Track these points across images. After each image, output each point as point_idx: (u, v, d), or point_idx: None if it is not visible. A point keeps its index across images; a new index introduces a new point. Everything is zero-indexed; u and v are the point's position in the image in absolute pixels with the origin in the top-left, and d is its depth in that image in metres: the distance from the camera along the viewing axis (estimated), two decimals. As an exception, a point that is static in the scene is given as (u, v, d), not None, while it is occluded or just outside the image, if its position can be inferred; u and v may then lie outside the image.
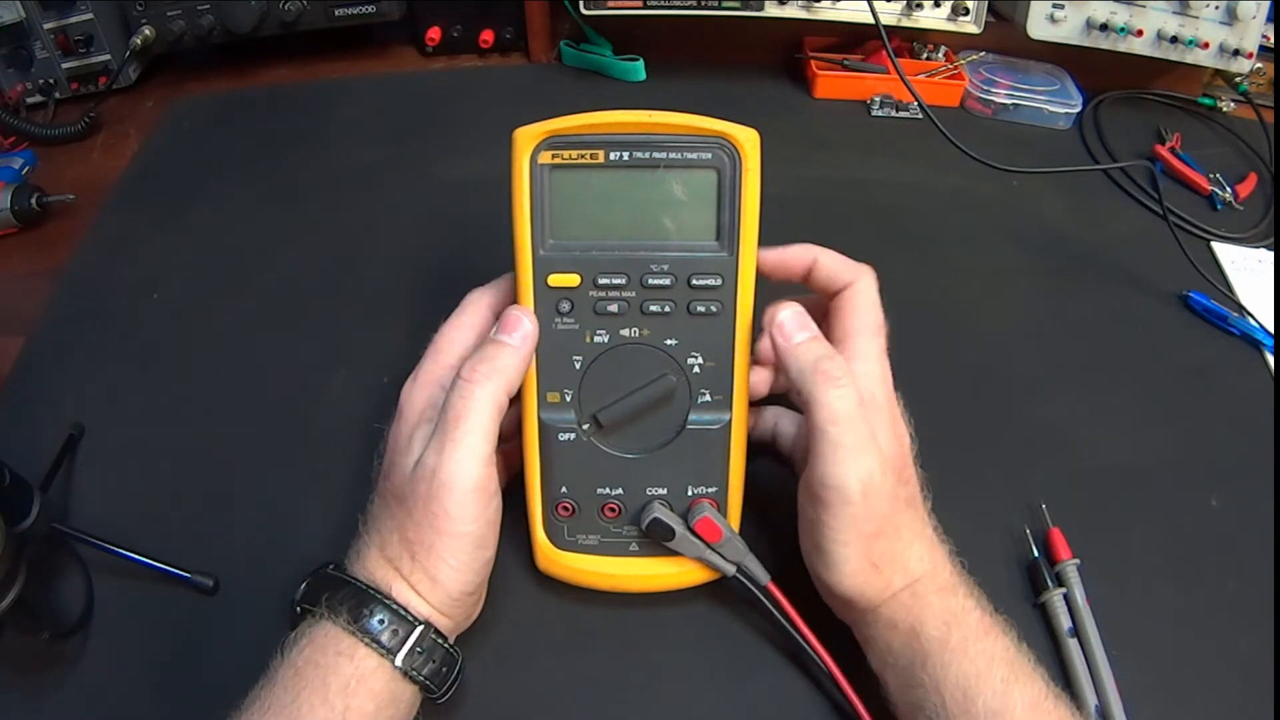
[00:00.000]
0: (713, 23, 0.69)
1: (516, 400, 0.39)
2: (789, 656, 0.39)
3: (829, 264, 0.38)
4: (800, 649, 0.38)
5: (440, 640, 0.34)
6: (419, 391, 0.37)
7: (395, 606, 0.33)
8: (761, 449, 0.44)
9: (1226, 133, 0.75)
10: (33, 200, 0.59)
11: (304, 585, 0.35)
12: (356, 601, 0.33)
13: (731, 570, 0.38)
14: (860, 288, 0.38)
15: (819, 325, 0.38)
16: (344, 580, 0.34)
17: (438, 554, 0.33)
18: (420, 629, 0.33)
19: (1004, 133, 0.71)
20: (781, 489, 0.44)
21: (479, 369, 0.34)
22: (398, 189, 0.62)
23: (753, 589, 0.38)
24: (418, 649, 0.33)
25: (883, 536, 0.34)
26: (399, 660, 0.32)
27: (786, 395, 0.43)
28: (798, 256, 0.39)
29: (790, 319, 0.36)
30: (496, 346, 0.35)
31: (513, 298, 0.38)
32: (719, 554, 0.38)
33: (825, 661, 0.37)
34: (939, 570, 0.35)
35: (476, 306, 0.39)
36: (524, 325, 0.36)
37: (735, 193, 0.35)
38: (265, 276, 0.56)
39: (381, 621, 0.32)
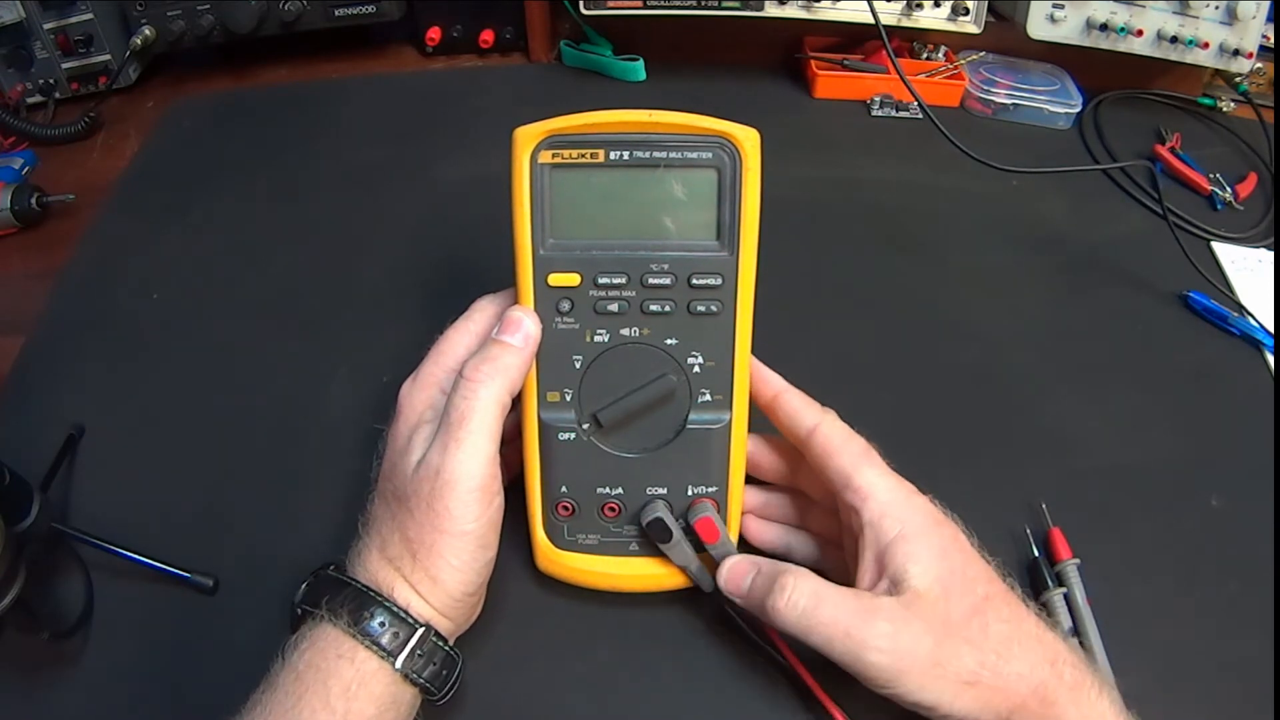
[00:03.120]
0: (713, 23, 0.69)
1: (516, 402, 0.39)
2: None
3: (790, 404, 0.38)
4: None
5: (440, 643, 0.34)
6: (419, 392, 0.37)
7: (396, 609, 0.33)
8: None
9: (1226, 133, 0.75)
10: (33, 200, 0.59)
11: (304, 586, 0.35)
12: (357, 604, 0.33)
13: (710, 586, 0.38)
14: (826, 430, 0.37)
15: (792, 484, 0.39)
16: (344, 582, 0.34)
17: (439, 553, 0.33)
18: (421, 631, 0.33)
19: (1004, 133, 0.71)
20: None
21: (482, 369, 0.34)
22: (398, 189, 0.62)
23: (729, 609, 0.38)
24: (418, 651, 0.33)
25: (952, 659, 0.32)
26: (399, 663, 0.32)
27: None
28: (764, 387, 0.39)
29: (731, 570, 0.37)
30: (499, 347, 0.35)
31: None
32: (712, 556, 0.38)
33: (803, 676, 0.37)
34: (1061, 666, 0.33)
35: (483, 313, 0.39)
36: (526, 326, 0.36)
37: (735, 192, 0.35)
38: (265, 276, 0.56)
39: (382, 624, 0.32)
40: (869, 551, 0.35)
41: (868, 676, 0.33)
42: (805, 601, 0.34)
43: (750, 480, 0.40)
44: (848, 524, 0.37)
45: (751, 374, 0.38)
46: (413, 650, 0.33)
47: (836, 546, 0.39)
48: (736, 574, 0.37)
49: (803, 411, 0.38)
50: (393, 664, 0.32)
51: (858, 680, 0.33)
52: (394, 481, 0.35)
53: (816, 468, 0.37)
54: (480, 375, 0.34)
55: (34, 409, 0.48)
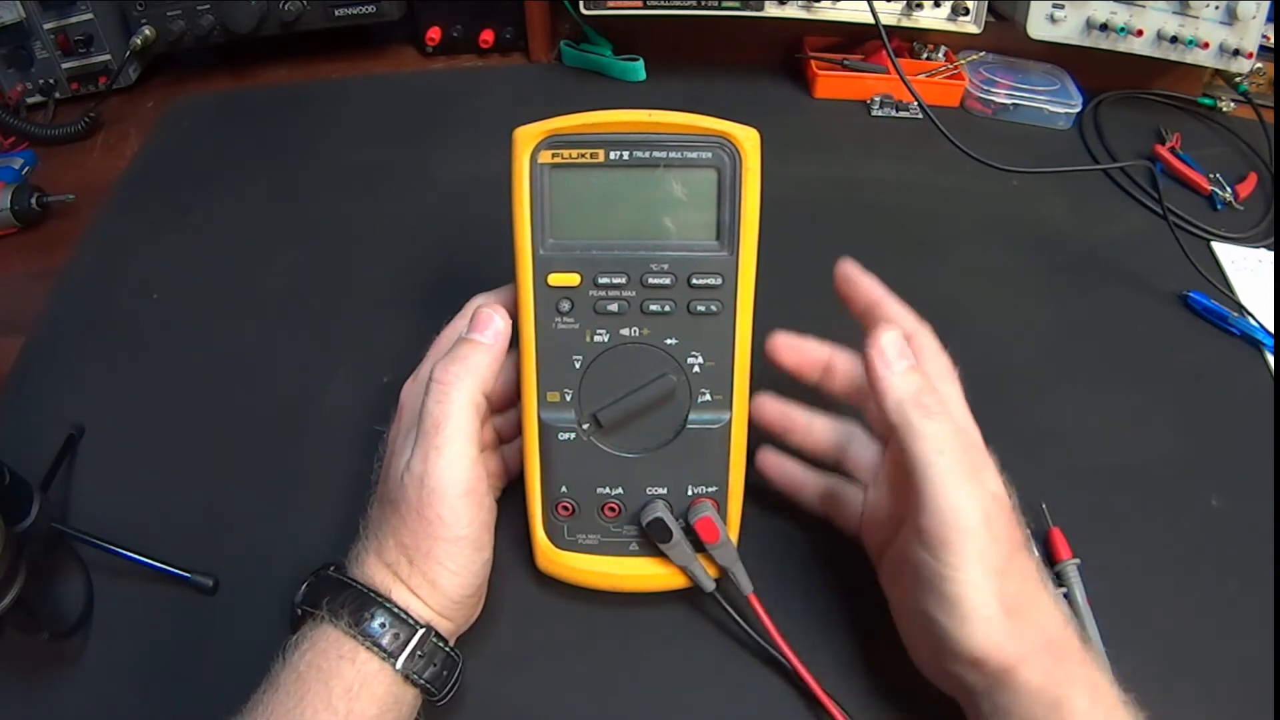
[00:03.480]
0: (713, 23, 0.69)
1: (516, 401, 0.39)
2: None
3: (894, 310, 0.38)
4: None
5: (441, 644, 0.34)
6: (417, 393, 0.37)
7: (396, 610, 0.33)
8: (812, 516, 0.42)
9: (1226, 133, 0.75)
10: (33, 200, 0.59)
11: (304, 587, 0.35)
12: (358, 605, 0.33)
13: (710, 587, 0.38)
14: (923, 339, 0.37)
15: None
16: (345, 583, 0.34)
17: (435, 559, 0.33)
18: (421, 633, 0.33)
19: (1004, 133, 0.71)
20: (778, 497, 0.44)
21: (451, 369, 0.34)
22: (398, 189, 0.62)
23: (727, 608, 0.39)
24: (419, 652, 0.33)
25: (1012, 575, 0.31)
26: (400, 664, 0.32)
27: (834, 467, 0.41)
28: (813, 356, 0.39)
29: (892, 343, 0.35)
30: (468, 345, 0.35)
31: (511, 295, 0.39)
32: (711, 557, 0.38)
33: (804, 676, 0.37)
34: (1069, 632, 0.32)
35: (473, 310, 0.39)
36: (495, 322, 0.36)
37: (735, 192, 0.35)
38: (265, 276, 0.56)
39: (383, 625, 0.32)
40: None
41: (944, 538, 0.31)
42: (953, 427, 0.33)
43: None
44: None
45: (855, 281, 0.39)
46: (413, 651, 0.33)
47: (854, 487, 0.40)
48: (891, 351, 0.35)
49: (903, 317, 0.38)
50: (393, 665, 0.32)
51: (908, 549, 0.33)
52: (387, 487, 0.35)
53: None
54: (449, 377, 0.34)
55: (34, 409, 0.48)
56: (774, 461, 0.42)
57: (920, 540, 0.32)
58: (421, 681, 0.33)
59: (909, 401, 0.33)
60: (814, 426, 0.41)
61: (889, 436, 0.36)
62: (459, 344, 0.35)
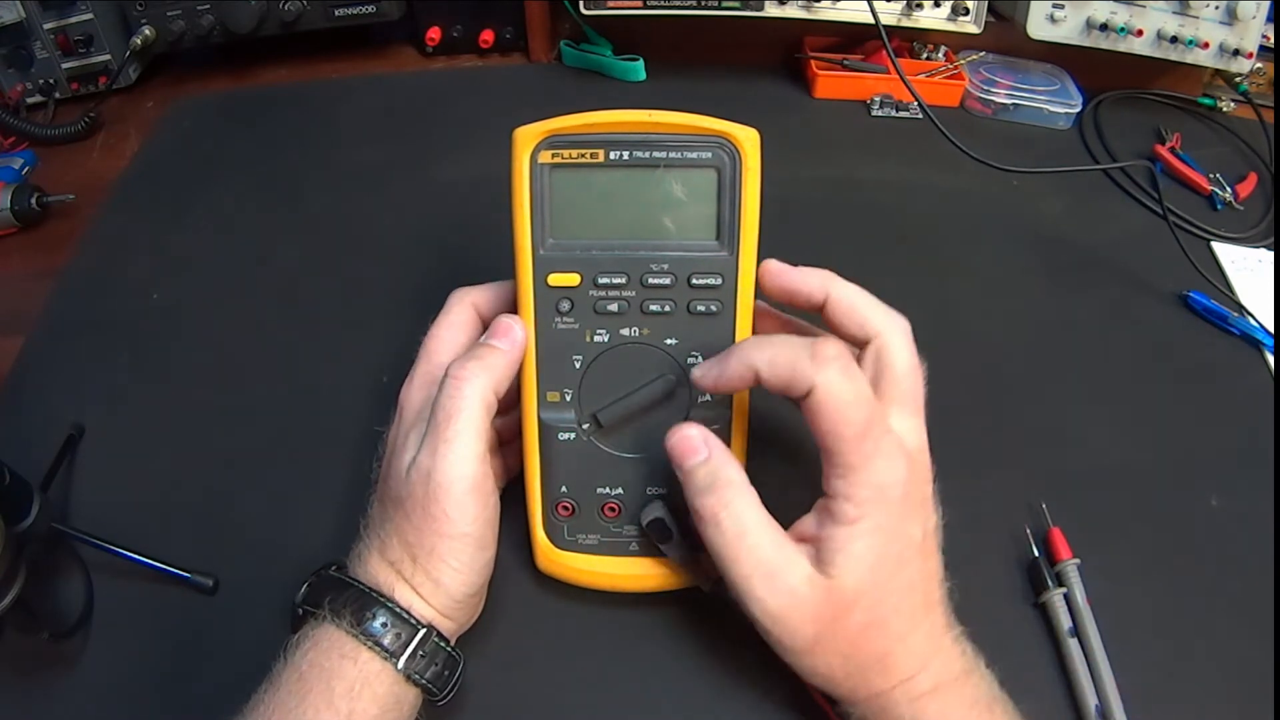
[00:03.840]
0: (713, 23, 0.69)
1: (516, 403, 0.39)
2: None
3: (849, 302, 0.34)
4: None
5: (443, 643, 0.34)
6: (415, 393, 0.38)
7: (398, 610, 0.33)
8: None
9: (1226, 133, 0.75)
10: (33, 200, 0.59)
11: (305, 587, 0.35)
12: (359, 604, 0.33)
13: (708, 585, 0.38)
14: (892, 343, 0.34)
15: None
16: (346, 582, 0.34)
17: (439, 556, 0.33)
18: (423, 633, 0.33)
19: (1004, 133, 0.71)
20: (780, 498, 0.44)
21: (467, 366, 0.34)
22: (398, 189, 0.62)
23: (728, 609, 0.38)
24: (420, 652, 0.33)
25: (824, 654, 0.32)
26: (402, 664, 0.32)
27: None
28: (809, 285, 0.35)
29: (682, 440, 0.34)
30: (486, 349, 0.35)
31: (498, 299, 0.39)
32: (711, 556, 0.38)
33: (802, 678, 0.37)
34: (935, 666, 0.32)
35: (461, 305, 0.39)
36: (515, 332, 0.36)
37: (735, 192, 0.35)
38: (265, 276, 0.56)
39: (384, 625, 0.32)
40: (825, 510, 0.33)
41: (747, 613, 0.33)
42: (733, 531, 0.32)
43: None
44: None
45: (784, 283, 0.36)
46: (415, 651, 0.33)
47: None
48: (686, 446, 0.34)
49: (868, 319, 0.35)
50: (395, 665, 0.32)
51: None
52: (390, 484, 0.35)
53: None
54: (465, 372, 0.34)
55: (34, 409, 0.48)
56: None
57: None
58: (423, 681, 0.33)
59: (691, 505, 0.34)
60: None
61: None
62: (477, 346, 0.35)
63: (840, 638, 0.32)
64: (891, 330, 0.34)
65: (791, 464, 0.43)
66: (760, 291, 0.37)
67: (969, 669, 0.33)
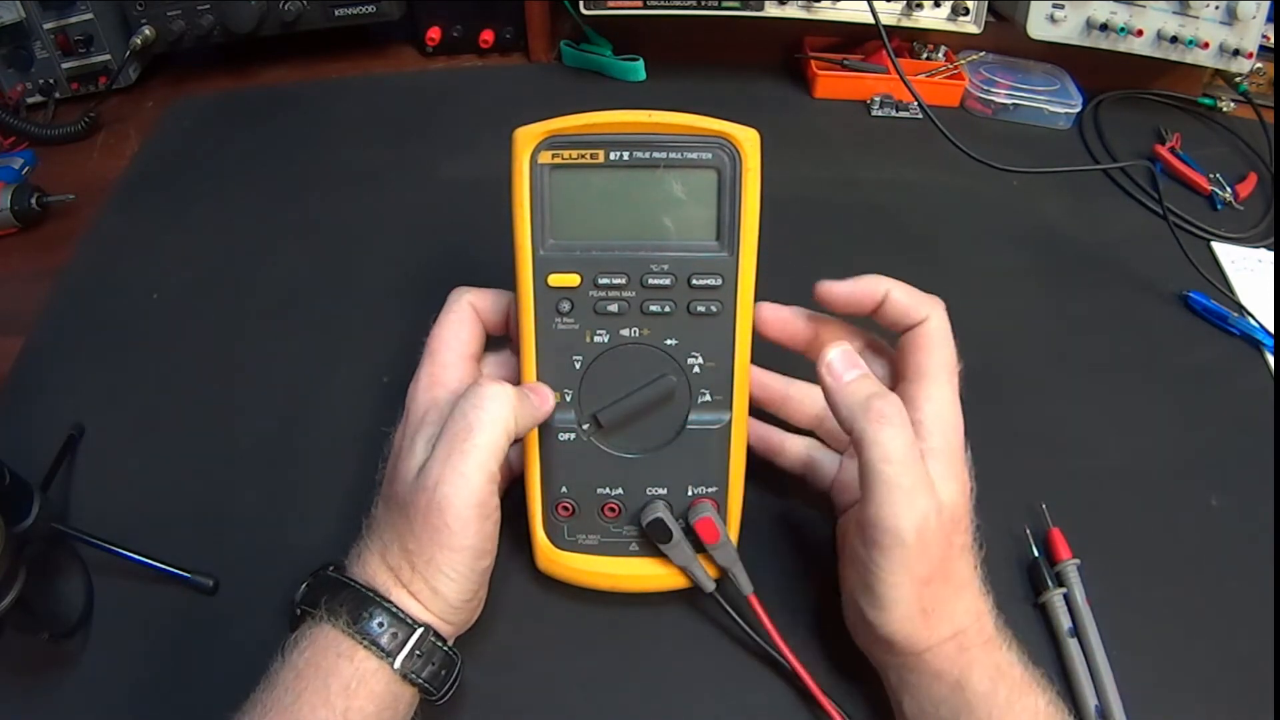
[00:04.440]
0: (713, 23, 0.69)
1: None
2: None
3: (901, 299, 0.37)
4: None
5: (439, 643, 0.34)
6: (421, 394, 0.37)
7: (395, 610, 0.33)
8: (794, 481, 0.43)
9: (1226, 133, 0.75)
10: (33, 200, 0.59)
11: (304, 587, 0.35)
12: (356, 604, 0.33)
13: (710, 587, 0.39)
14: (933, 325, 0.36)
15: (882, 360, 0.38)
16: (344, 582, 0.34)
17: (437, 566, 0.33)
18: (419, 632, 0.33)
19: (1004, 133, 0.71)
20: (779, 498, 0.44)
21: (499, 382, 0.34)
22: (398, 189, 0.62)
23: (728, 609, 0.39)
24: (416, 652, 0.33)
25: (934, 582, 0.33)
26: (398, 663, 0.32)
27: (813, 432, 0.43)
28: (868, 290, 0.37)
29: (839, 358, 0.36)
30: (522, 392, 0.36)
31: (497, 304, 0.39)
32: (711, 557, 0.38)
33: (803, 677, 0.37)
34: (984, 622, 0.35)
35: (461, 303, 0.39)
36: (548, 399, 0.37)
37: (735, 193, 0.35)
38: (265, 276, 0.56)
39: (381, 624, 0.32)
40: None
41: (878, 541, 0.33)
42: (907, 437, 0.33)
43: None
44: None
45: (858, 290, 0.37)
46: (411, 651, 0.33)
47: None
48: (842, 362, 0.36)
49: (915, 307, 0.37)
50: (391, 664, 0.32)
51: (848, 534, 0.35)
52: (396, 488, 0.35)
53: (901, 350, 0.37)
54: (496, 389, 0.34)
55: (34, 409, 0.48)
56: (755, 428, 0.42)
57: (860, 535, 0.34)
58: (419, 680, 0.33)
59: (859, 409, 0.34)
60: (795, 398, 0.42)
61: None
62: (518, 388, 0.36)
63: (948, 562, 0.34)
64: (935, 311, 0.37)
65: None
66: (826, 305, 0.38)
67: (1005, 635, 0.35)
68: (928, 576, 0.33)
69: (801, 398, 0.42)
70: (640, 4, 0.67)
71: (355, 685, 0.31)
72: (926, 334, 0.36)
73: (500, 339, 0.41)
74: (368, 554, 0.35)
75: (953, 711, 0.33)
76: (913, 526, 0.32)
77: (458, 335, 0.38)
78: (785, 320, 0.39)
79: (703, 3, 0.67)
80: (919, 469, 0.33)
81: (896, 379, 0.38)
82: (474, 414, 0.33)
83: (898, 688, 0.35)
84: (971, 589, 0.35)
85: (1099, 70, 0.73)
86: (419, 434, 0.36)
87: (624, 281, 0.36)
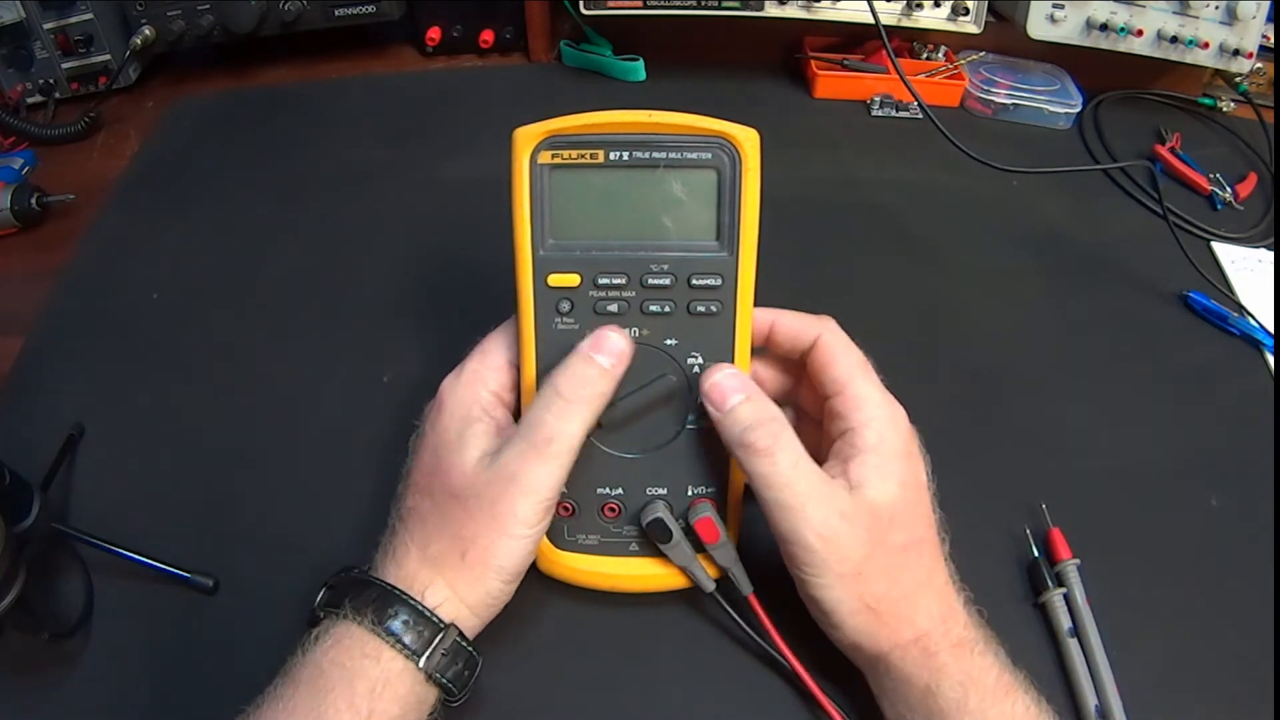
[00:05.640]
0: (713, 23, 0.69)
1: (515, 401, 0.39)
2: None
3: (788, 324, 0.38)
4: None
5: (464, 643, 0.34)
6: (464, 389, 0.37)
7: (421, 608, 0.33)
8: None
9: (1226, 133, 0.75)
10: (33, 200, 0.59)
11: (325, 590, 0.35)
12: (381, 602, 0.33)
13: (710, 587, 0.39)
14: (827, 339, 0.37)
15: (797, 384, 0.39)
16: (368, 582, 0.34)
17: (492, 553, 0.33)
18: (445, 631, 0.33)
19: (1004, 133, 0.71)
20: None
21: (580, 393, 0.34)
22: (398, 189, 0.62)
23: (728, 609, 0.39)
24: (442, 651, 0.33)
25: (868, 579, 0.34)
26: (424, 662, 0.32)
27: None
28: (757, 323, 0.38)
29: (721, 382, 0.35)
30: (593, 368, 0.35)
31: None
32: (711, 557, 0.38)
33: (803, 677, 0.37)
34: (951, 624, 0.34)
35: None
36: (615, 344, 0.35)
37: (735, 193, 0.35)
38: (265, 276, 0.56)
39: (406, 623, 0.32)
40: (842, 454, 0.36)
41: (793, 555, 0.34)
42: (786, 460, 0.34)
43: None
44: (828, 432, 0.37)
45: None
46: (437, 650, 0.33)
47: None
48: (724, 388, 0.35)
49: (803, 329, 0.38)
50: (417, 663, 0.32)
51: (781, 556, 0.35)
52: (446, 478, 0.35)
53: (814, 375, 0.38)
54: (578, 398, 0.34)
55: (34, 409, 0.48)
56: None
57: (784, 553, 0.35)
58: (444, 680, 0.33)
59: (735, 445, 0.35)
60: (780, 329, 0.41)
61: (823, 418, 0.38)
62: (583, 363, 0.35)
63: (883, 558, 0.34)
64: (825, 327, 0.38)
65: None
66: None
67: (983, 635, 0.35)
68: (855, 573, 0.33)
69: (788, 332, 0.39)
70: (640, 4, 0.67)
71: (381, 688, 0.31)
72: (825, 347, 0.37)
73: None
74: (403, 548, 0.35)
75: (925, 717, 0.33)
76: (814, 534, 0.33)
77: (511, 343, 0.38)
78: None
79: (703, 3, 0.67)
80: (805, 484, 0.34)
81: (821, 398, 0.38)
82: (558, 424, 0.34)
83: (876, 692, 0.36)
84: (931, 588, 0.35)
85: (1099, 70, 0.73)
86: (470, 428, 0.36)
87: (624, 281, 0.36)
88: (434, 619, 0.33)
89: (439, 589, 0.34)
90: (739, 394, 0.35)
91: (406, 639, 0.32)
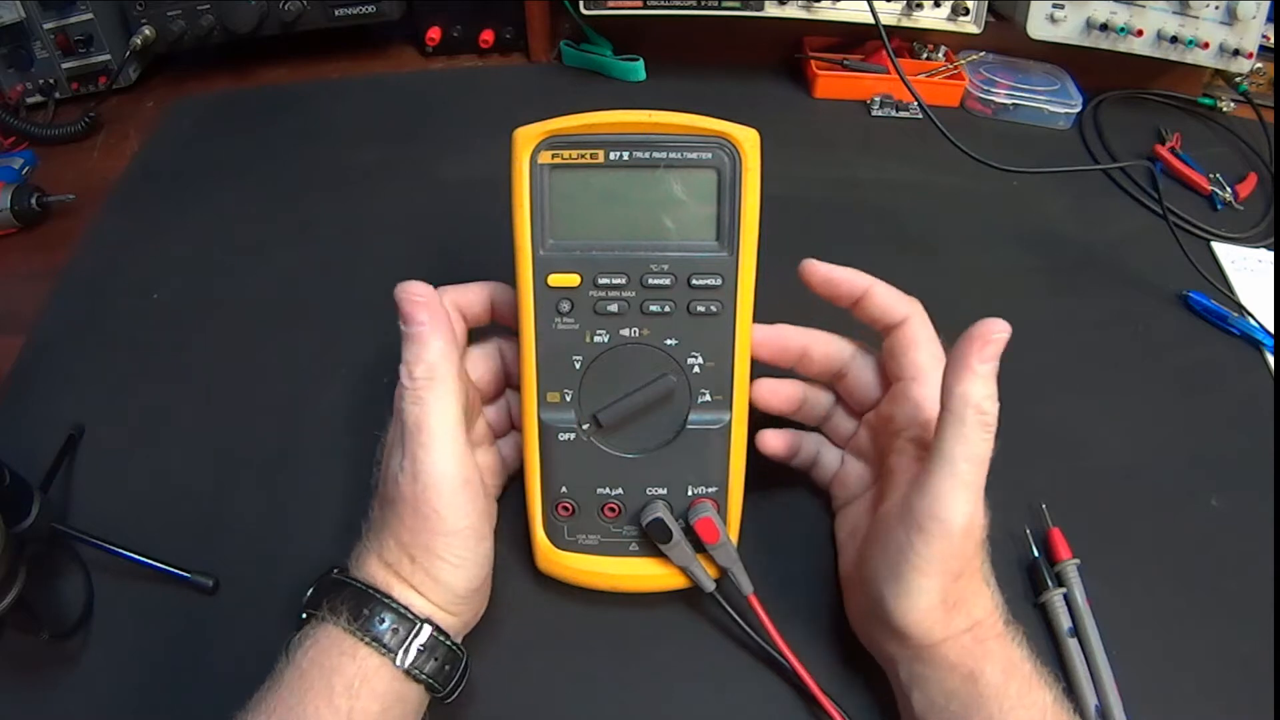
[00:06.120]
0: (713, 23, 0.69)
1: (503, 390, 0.39)
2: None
3: (883, 296, 0.38)
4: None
5: (443, 638, 0.34)
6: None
7: (396, 606, 0.33)
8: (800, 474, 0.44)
9: (1226, 133, 0.75)
10: (33, 200, 0.59)
11: (310, 591, 0.35)
12: (357, 602, 0.33)
13: (710, 587, 0.39)
14: (918, 324, 0.38)
15: (871, 361, 0.39)
16: (344, 582, 0.34)
17: (435, 554, 0.33)
18: (421, 627, 0.33)
19: (1004, 133, 0.71)
20: (779, 498, 0.44)
21: (416, 370, 0.34)
22: (398, 189, 0.62)
23: (728, 609, 0.39)
24: (420, 648, 0.33)
25: (963, 578, 0.34)
26: (400, 659, 0.32)
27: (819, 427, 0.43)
28: (851, 281, 0.38)
29: (999, 344, 0.34)
30: (413, 340, 0.35)
31: (476, 292, 0.39)
32: (711, 557, 0.38)
33: (803, 677, 0.37)
34: (996, 616, 0.35)
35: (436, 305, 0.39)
36: (417, 293, 0.36)
37: (735, 192, 0.35)
38: (265, 276, 0.56)
39: (382, 621, 0.33)
40: (915, 446, 0.36)
41: (920, 526, 0.33)
42: (990, 438, 0.34)
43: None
44: (889, 416, 0.38)
45: (838, 277, 0.38)
46: (414, 646, 0.33)
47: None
48: (990, 351, 0.34)
49: (894, 306, 0.38)
50: (394, 660, 0.32)
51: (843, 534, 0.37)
52: (385, 488, 0.35)
53: (893, 354, 0.38)
54: (417, 373, 0.34)
55: (34, 409, 0.48)
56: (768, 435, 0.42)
57: (904, 517, 0.34)
58: (424, 677, 0.33)
59: (969, 403, 0.33)
60: (816, 350, 0.41)
61: (885, 412, 0.39)
62: (405, 341, 0.35)
63: (976, 557, 0.34)
64: (916, 311, 0.38)
65: (789, 468, 0.43)
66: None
67: (1015, 629, 0.35)
68: (959, 571, 0.33)
69: (824, 354, 0.40)
70: (640, 4, 0.67)
71: (359, 684, 0.31)
72: (913, 331, 0.37)
73: (482, 329, 0.41)
74: (367, 555, 0.35)
75: (963, 705, 0.33)
76: (962, 522, 0.33)
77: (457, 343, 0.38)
78: (774, 337, 0.40)
79: (703, 3, 0.67)
80: (981, 476, 0.33)
81: (891, 379, 0.38)
82: (414, 408, 0.34)
83: (907, 681, 0.35)
84: (987, 586, 0.35)
85: (1099, 70, 0.73)
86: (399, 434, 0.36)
87: (624, 281, 0.36)
88: (408, 615, 0.33)
89: (404, 591, 0.34)
90: (992, 362, 0.34)
91: (384, 638, 0.32)
